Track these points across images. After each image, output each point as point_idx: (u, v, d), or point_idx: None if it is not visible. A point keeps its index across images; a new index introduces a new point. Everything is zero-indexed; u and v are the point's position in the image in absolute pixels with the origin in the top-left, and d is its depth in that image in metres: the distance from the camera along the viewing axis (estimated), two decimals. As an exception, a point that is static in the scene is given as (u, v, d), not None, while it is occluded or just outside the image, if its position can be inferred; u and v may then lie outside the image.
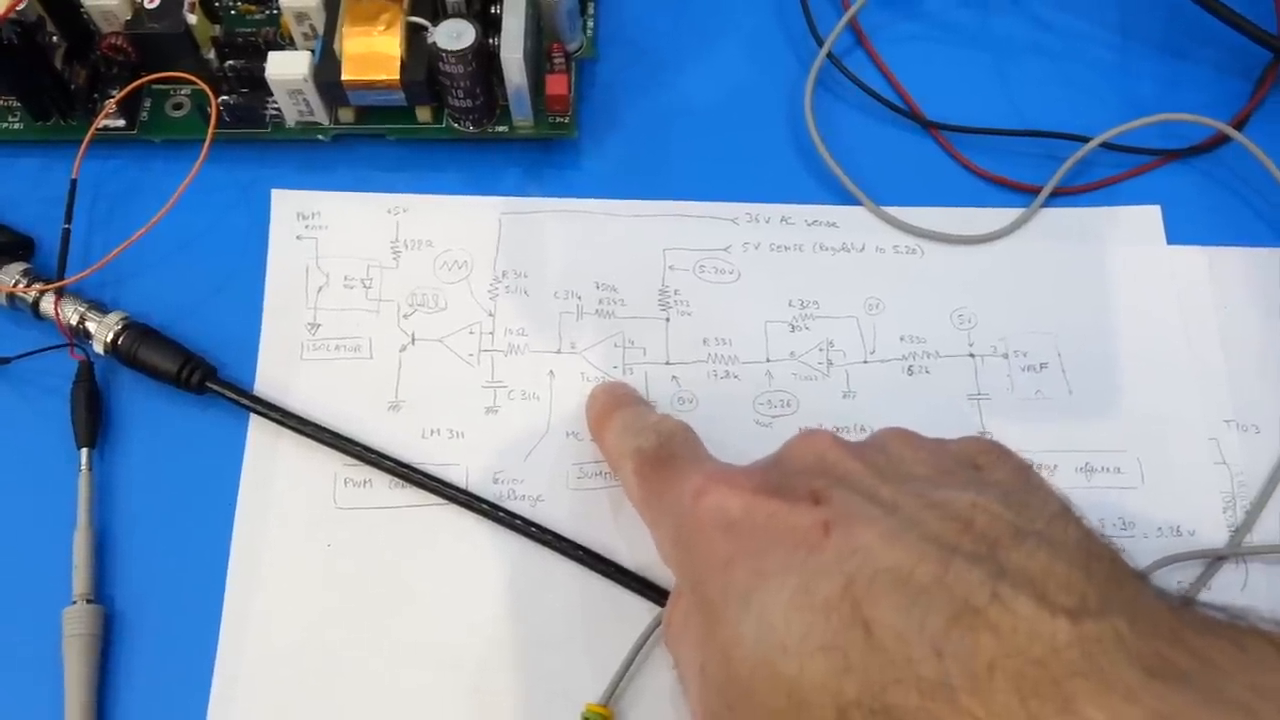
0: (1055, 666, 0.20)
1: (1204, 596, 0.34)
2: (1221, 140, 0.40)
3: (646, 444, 0.31)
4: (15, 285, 0.36)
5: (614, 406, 0.34)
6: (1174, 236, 0.39)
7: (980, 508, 0.24)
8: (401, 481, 0.35)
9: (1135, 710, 0.19)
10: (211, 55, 0.40)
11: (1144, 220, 0.39)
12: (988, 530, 0.23)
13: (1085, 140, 0.40)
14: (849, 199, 0.40)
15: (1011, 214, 0.39)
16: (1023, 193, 0.40)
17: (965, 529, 0.23)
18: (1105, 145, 0.40)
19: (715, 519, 0.26)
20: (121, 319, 0.36)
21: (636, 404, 0.35)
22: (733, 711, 0.24)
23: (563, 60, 0.39)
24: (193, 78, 0.38)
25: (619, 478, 0.33)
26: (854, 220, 0.39)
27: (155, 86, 0.40)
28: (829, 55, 0.41)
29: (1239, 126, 0.40)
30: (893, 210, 0.39)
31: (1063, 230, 0.39)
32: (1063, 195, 0.40)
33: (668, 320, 0.38)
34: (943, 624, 0.21)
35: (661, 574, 0.34)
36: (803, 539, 0.24)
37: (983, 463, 0.27)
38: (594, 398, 0.35)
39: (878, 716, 0.21)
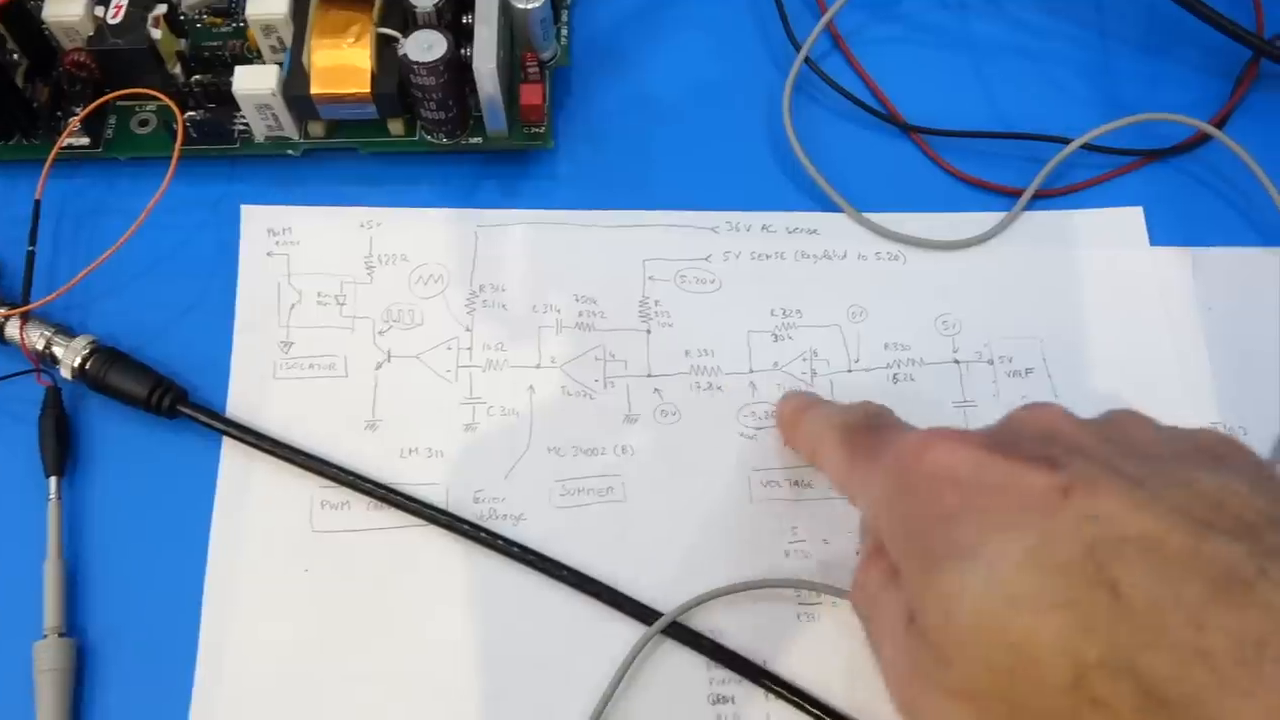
0: None
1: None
2: (1203, 139, 0.40)
3: (853, 419, 0.30)
4: (-22, 310, 0.35)
5: (811, 402, 0.34)
6: (1157, 238, 0.39)
7: (1230, 491, 0.23)
8: (380, 503, 0.34)
9: None
10: (177, 70, 0.39)
11: (1126, 222, 0.39)
12: (1242, 513, 0.22)
13: (1066, 142, 0.39)
14: (829, 205, 0.39)
15: (993, 218, 0.39)
16: (1004, 196, 0.40)
17: (1216, 509, 0.22)
18: (1086, 147, 0.39)
19: (942, 473, 0.25)
20: (89, 343, 0.35)
21: (832, 402, 0.35)
22: (946, 666, 0.23)
23: (537, 70, 0.38)
24: (158, 94, 0.37)
25: (819, 457, 0.32)
26: (835, 227, 0.39)
27: (120, 103, 0.39)
28: (806, 60, 0.41)
29: (1220, 125, 0.40)
30: (874, 216, 0.39)
31: (1045, 233, 0.39)
32: (1044, 198, 0.40)
33: (649, 332, 0.37)
34: (1203, 596, 0.20)
35: (649, 594, 0.33)
36: (1039, 500, 0.23)
37: (1221, 452, 0.25)
38: (787, 397, 0.35)
39: (1124, 680, 0.20)
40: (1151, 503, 0.22)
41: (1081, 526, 0.22)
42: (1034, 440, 0.25)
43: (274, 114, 0.37)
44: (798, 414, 0.34)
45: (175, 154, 0.36)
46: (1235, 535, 0.21)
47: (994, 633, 0.22)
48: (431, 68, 0.35)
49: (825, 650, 0.33)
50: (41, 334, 0.35)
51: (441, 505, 0.34)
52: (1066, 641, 0.21)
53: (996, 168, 0.40)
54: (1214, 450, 0.25)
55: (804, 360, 0.37)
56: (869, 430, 0.30)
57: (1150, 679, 0.20)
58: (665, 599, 0.33)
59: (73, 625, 0.33)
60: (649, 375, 0.37)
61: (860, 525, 0.30)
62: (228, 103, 0.38)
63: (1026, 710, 0.22)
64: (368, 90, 0.36)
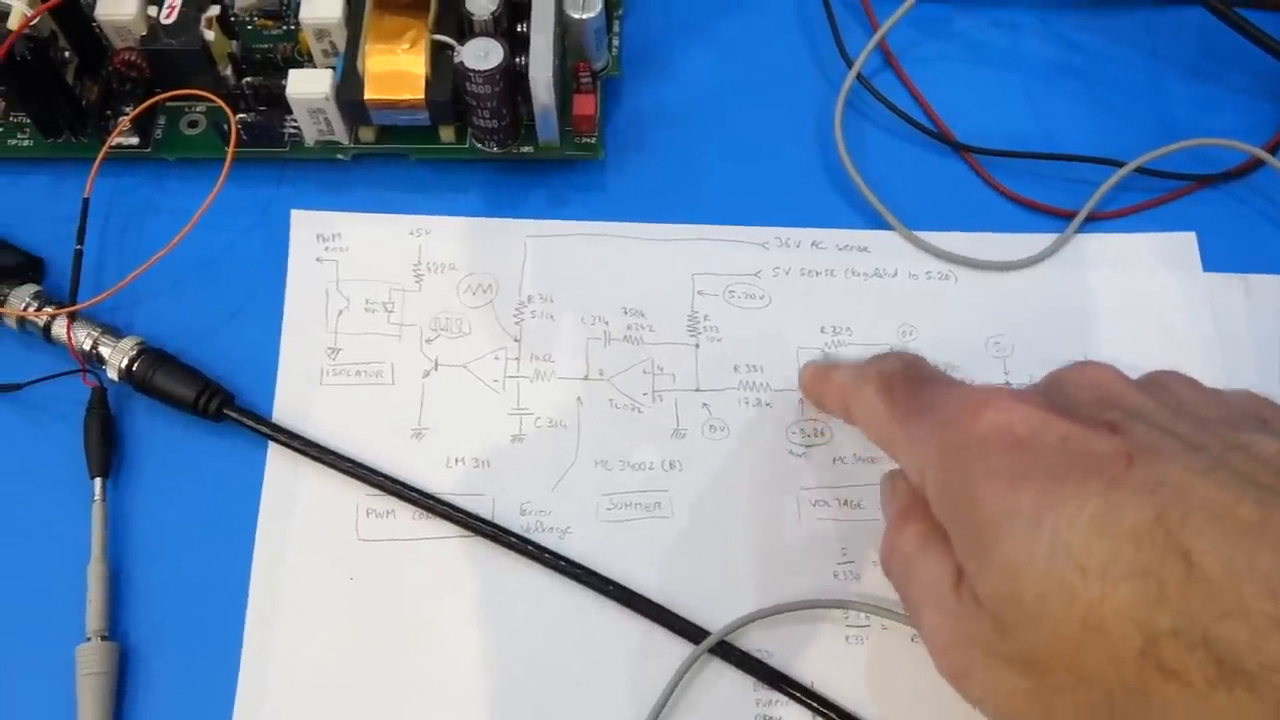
0: None
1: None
2: (1255, 165, 0.40)
3: (889, 367, 0.30)
4: (26, 309, 0.35)
5: (837, 362, 0.33)
6: (1210, 263, 0.38)
7: None
8: (425, 513, 0.34)
9: None
10: (228, 72, 0.38)
11: (1180, 247, 0.39)
12: None
13: (1118, 165, 0.39)
14: (880, 223, 0.39)
15: (1045, 239, 0.39)
16: (1055, 217, 0.39)
17: (1278, 475, 0.22)
18: (1139, 170, 0.39)
19: (999, 435, 0.24)
20: (136, 344, 0.35)
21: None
22: (1004, 633, 0.23)
23: (590, 80, 0.38)
24: (210, 95, 0.37)
25: (854, 411, 0.31)
26: (885, 245, 0.39)
27: (169, 104, 0.39)
28: (858, 76, 0.41)
29: (1273, 151, 0.40)
30: (924, 235, 0.39)
31: (1097, 256, 0.39)
32: (1096, 220, 0.39)
33: (697, 346, 0.37)
34: (1276, 565, 0.20)
35: (694, 611, 0.33)
36: (1103, 466, 0.23)
37: (1266, 415, 0.25)
38: (809, 363, 0.35)
39: (1197, 650, 0.20)
40: (1216, 469, 0.22)
41: (1150, 493, 0.22)
42: (1090, 403, 0.25)
43: (326, 118, 0.37)
44: (824, 370, 0.33)
45: (229, 156, 0.36)
46: None
47: (1061, 602, 0.22)
48: (488, 76, 0.35)
49: (874, 674, 0.33)
50: (88, 334, 0.35)
51: (487, 516, 0.34)
52: (1137, 610, 0.21)
53: (1047, 189, 0.40)
54: (1260, 413, 0.25)
55: (854, 378, 0.37)
56: (912, 381, 0.29)
57: (1225, 648, 0.20)
58: (710, 616, 0.33)
59: (116, 629, 0.33)
60: (697, 390, 0.36)
61: (882, 482, 0.29)
62: (278, 105, 0.38)
63: (1092, 680, 0.22)
64: (422, 97, 0.36)
